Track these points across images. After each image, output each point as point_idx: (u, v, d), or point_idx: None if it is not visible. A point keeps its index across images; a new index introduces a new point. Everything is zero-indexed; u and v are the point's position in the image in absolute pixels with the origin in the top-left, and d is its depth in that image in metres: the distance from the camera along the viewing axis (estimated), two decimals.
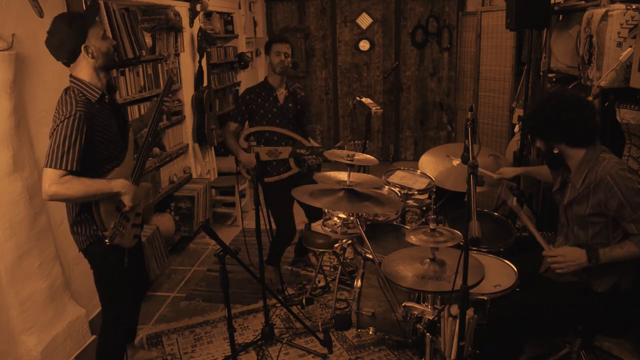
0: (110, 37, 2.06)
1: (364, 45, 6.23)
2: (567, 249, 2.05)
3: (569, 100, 2.00)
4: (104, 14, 2.97)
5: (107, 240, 2.00)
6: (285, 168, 3.20)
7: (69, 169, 1.83)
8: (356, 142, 3.07)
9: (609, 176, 1.91)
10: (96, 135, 1.94)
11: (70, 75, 2.00)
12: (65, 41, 1.92)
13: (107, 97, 2.06)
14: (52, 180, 1.82)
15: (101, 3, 2.93)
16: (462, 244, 1.78)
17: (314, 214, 3.38)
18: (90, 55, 1.95)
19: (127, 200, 2.03)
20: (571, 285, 2.08)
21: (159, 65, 3.81)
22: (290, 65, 3.22)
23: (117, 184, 1.99)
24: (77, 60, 1.96)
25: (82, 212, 2.02)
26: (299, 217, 3.47)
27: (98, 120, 1.96)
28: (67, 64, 1.99)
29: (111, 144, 2.03)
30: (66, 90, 1.98)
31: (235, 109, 3.26)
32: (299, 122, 3.32)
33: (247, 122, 3.26)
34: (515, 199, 2.47)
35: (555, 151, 2.06)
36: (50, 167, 1.83)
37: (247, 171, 3.20)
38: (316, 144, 3.31)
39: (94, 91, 1.98)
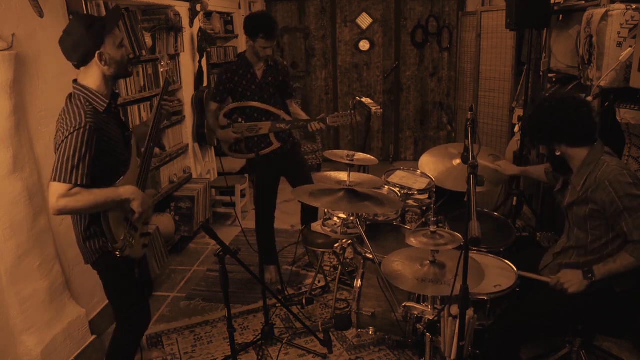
0: (127, 46, 1.99)
1: (364, 45, 6.23)
2: (562, 273, 2.07)
3: (563, 100, 2.00)
4: (103, 12, 2.97)
5: (117, 253, 1.96)
6: (267, 144, 3.16)
7: (78, 183, 1.77)
8: (338, 113, 3.01)
9: (607, 181, 1.91)
10: (104, 145, 1.89)
11: (75, 82, 1.94)
12: (80, 44, 1.85)
13: (114, 106, 2.02)
14: (60, 194, 1.75)
15: (101, 3, 2.92)
16: (462, 244, 1.78)
17: (310, 215, 3.38)
18: (103, 62, 1.89)
19: (136, 206, 1.97)
20: None
21: (160, 65, 3.81)
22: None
23: (126, 190, 1.94)
24: (88, 65, 1.90)
25: (91, 225, 1.97)
26: (294, 218, 3.47)
27: (106, 131, 1.91)
28: (77, 67, 1.92)
29: (118, 154, 1.99)
30: (70, 97, 1.92)
31: (214, 88, 3.24)
32: (282, 95, 3.24)
33: (229, 99, 3.24)
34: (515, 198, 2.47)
35: (557, 153, 2.06)
36: (59, 181, 1.76)
37: (230, 147, 3.20)
38: (304, 117, 3.24)
39: (101, 100, 1.92)
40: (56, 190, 1.76)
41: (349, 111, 3.02)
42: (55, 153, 1.82)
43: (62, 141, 1.78)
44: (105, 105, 1.93)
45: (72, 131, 1.78)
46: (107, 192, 1.88)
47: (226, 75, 3.14)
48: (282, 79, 3.22)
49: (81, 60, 1.89)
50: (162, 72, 2.33)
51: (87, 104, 1.88)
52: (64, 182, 1.76)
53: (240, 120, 3.16)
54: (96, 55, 1.87)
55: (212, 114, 3.21)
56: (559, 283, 2.04)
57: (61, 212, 1.79)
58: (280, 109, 3.15)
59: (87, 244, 2.00)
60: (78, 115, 1.81)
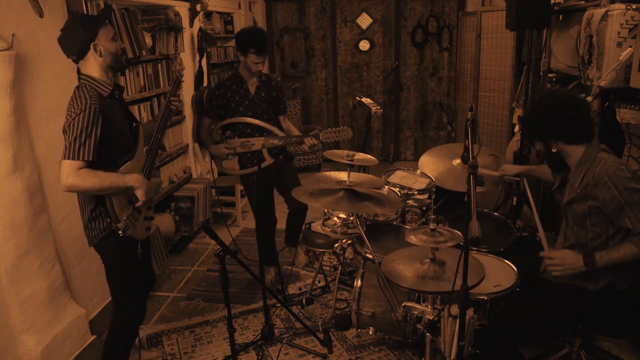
0: (120, 41, 2.15)
1: (364, 45, 6.23)
2: (565, 253, 2.04)
3: (561, 98, 2.00)
4: None
5: (120, 232, 2.06)
6: (260, 160, 3.13)
7: (86, 159, 1.90)
8: (333, 128, 3.04)
9: (606, 176, 1.91)
10: (109, 128, 2.01)
11: (80, 73, 2.07)
12: (76, 38, 2.01)
13: (117, 93, 2.15)
14: (69, 173, 1.89)
15: (101, 3, 2.93)
16: (462, 244, 1.78)
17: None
18: (98, 53, 2.03)
19: (139, 194, 2.09)
20: (567, 286, 2.08)
21: (159, 65, 3.81)
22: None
23: (131, 178, 2.06)
24: (86, 58, 2.04)
25: (97, 206, 2.07)
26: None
27: (110, 114, 2.04)
28: (77, 61, 2.06)
29: (122, 138, 2.11)
30: (77, 87, 2.04)
31: (207, 104, 3.25)
32: (275, 110, 3.24)
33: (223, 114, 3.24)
34: (515, 198, 2.47)
35: (554, 150, 2.06)
36: (68, 158, 1.90)
37: (222, 162, 3.21)
38: (297, 133, 3.25)
39: (104, 86, 2.06)
40: (66, 167, 1.90)
41: (343, 127, 3.05)
42: (64, 136, 1.95)
43: (70, 123, 1.92)
44: (109, 91, 2.07)
45: (78, 112, 1.92)
46: (113, 178, 2.01)
47: (218, 91, 3.14)
48: (275, 94, 3.21)
49: (79, 54, 2.04)
50: (177, 69, 2.52)
51: (92, 90, 2.02)
52: (73, 159, 1.90)
53: (231, 135, 3.17)
54: (91, 47, 2.02)
55: (205, 129, 3.21)
56: (557, 259, 2.02)
57: (70, 189, 1.94)
58: (273, 124, 3.15)
59: (93, 224, 2.10)
60: (84, 99, 1.95)
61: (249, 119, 3.10)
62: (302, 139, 3.08)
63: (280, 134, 3.13)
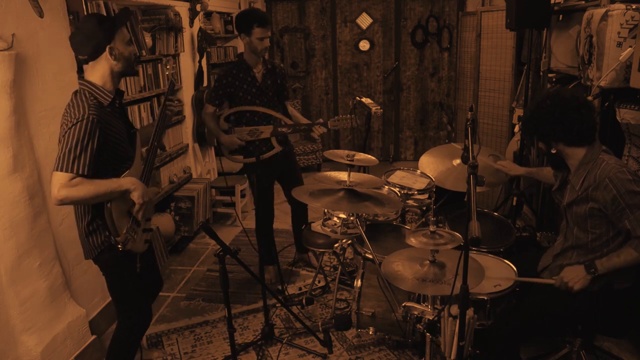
0: (135, 45, 2.08)
1: (364, 45, 6.22)
2: (565, 271, 2.06)
3: (564, 99, 2.00)
4: (104, 12, 2.97)
5: (119, 246, 1.98)
6: (268, 147, 3.14)
7: (80, 173, 1.81)
8: (338, 117, 3.07)
9: (607, 179, 1.90)
10: (107, 139, 1.93)
11: (81, 78, 1.99)
12: (92, 38, 1.92)
13: (117, 101, 2.07)
14: (62, 184, 1.78)
15: (101, 3, 2.93)
16: (462, 244, 1.78)
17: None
18: (113, 56, 1.96)
19: (136, 196, 1.99)
20: None
21: (159, 65, 3.82)
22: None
23: (126, 181, 1.97)
24: (97, 60, 1.96)
25: (94, 219, 1.99)
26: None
27: (109, 124, 1.95)
28: (87, 61, 1.97)
29: (121, 148, 2.03)
30: (76, 92, 1.97)
31: (212, 91, 3.19)
32: (280, 98, 3.25)
33: (225, 103, 3.23)
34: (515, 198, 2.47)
35: (553, 151, 2.06)
36: (61, 170, 1.79)
37: (231, 151, 3.19)
38: (304, 121, 3.26)
39: (106, 95, 1.97)
40: (58, 180, 1.79)
41: (348, 115, 3.04)
42: (59, 144, 1.85)
43: (66, 132, 1.83)
44: (109, 99, 1.99)
45: (75, 122, 1.82)
46: (108, 183, 1.91)
47: (226, 80, 3.11)
48: (280, 81, 3.22)
49: (92, 54, 1.95)
50: (167, 74, 2.44)
51: (92, 97, 1.93)
52: (66, 171, 1.79)
53: (238, 123, 3.17)
54: (107, 49, 1.94)
55: (210, 117, 3.18)
56: (562, 283, 2.03)
57: (62, 202, 1.81)
58: (279, 111, 3.15)
59: (90, 239, 2.02)
60: (82, 108, 1.86)
61: (258, 107, 3.09)
62: (312, 127, 3.07)
63: (289, 121, 3.13)
